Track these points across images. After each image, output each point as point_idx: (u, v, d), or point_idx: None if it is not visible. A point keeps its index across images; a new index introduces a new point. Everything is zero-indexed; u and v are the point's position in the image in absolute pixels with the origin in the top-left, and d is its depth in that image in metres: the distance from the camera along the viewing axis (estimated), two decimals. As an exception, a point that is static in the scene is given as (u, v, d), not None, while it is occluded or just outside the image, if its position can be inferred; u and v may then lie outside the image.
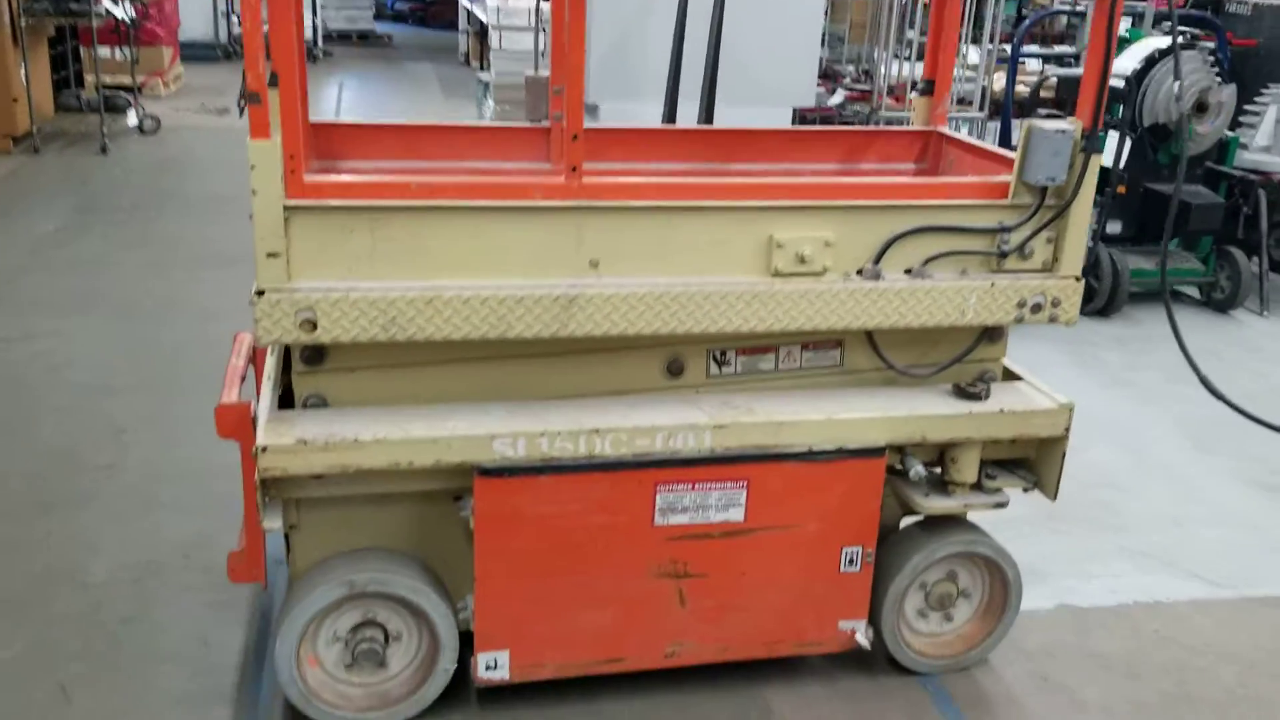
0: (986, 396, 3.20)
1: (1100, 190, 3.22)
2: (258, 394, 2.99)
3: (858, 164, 3.73)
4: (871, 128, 8.29)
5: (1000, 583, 3.40)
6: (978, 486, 3.30)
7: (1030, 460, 3.38)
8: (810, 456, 3.07)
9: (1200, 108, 6.67)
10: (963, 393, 3.22)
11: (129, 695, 3.15)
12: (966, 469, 3.26)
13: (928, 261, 3.06)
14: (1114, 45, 2.96)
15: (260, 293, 2.64)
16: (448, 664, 3.05)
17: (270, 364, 3.11)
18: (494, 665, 3.06)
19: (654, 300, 2.87)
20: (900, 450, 3.20)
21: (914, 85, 9.21)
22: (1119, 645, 3.64)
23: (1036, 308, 3.13)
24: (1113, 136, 5.69)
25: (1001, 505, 3.30)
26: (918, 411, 3.12)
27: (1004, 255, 3.08)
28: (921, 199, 3.03)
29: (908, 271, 3.07)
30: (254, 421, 2.84)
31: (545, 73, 3.69)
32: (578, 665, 3.15)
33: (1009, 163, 3.12)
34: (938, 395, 3.23)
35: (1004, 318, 3.13)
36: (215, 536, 3.82)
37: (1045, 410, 3.21)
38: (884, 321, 3.04)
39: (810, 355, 3.24)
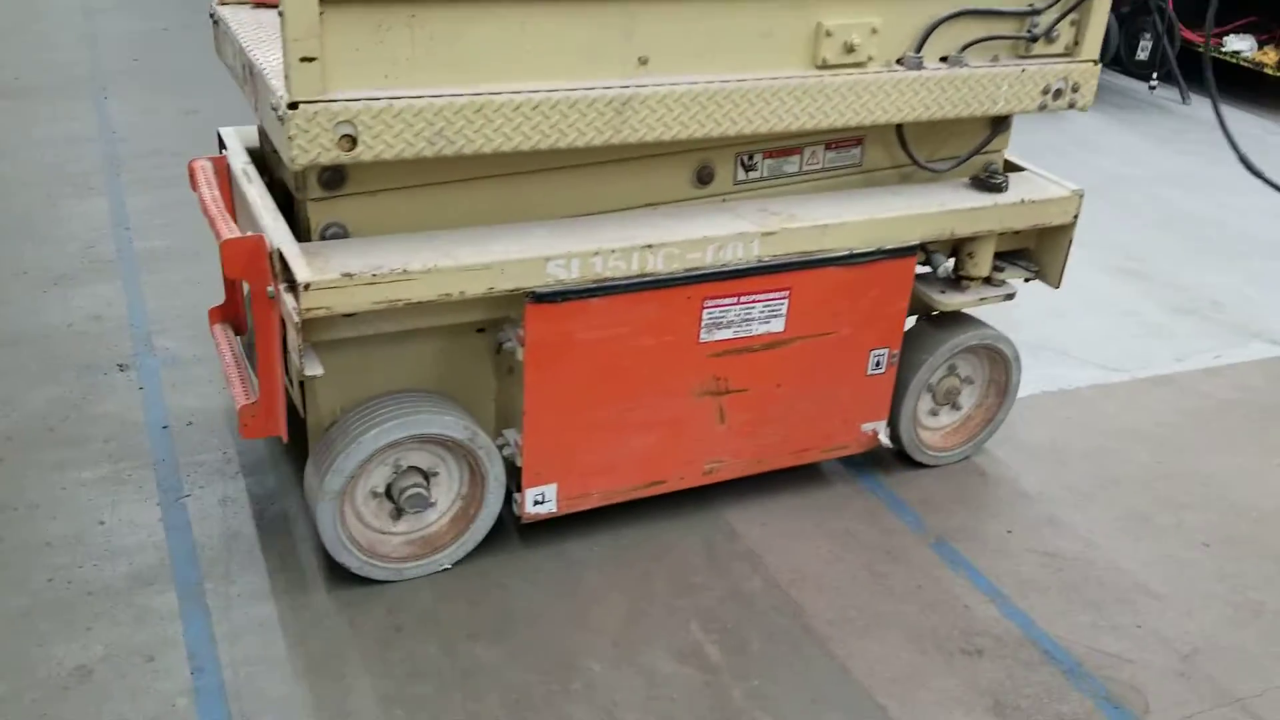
0: (1006, 187, 3.16)
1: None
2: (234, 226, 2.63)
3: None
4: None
5: (1002, 366, 3.44)
6: (987, 280, 3.30)
7: (1030, 250, 3.39)
8: (850, 260, 2.97)
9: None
10: (983, 185, 3.17)
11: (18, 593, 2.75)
12: (983, 263, 3.24)
13: (965, 48, 2.94)
14: None
15: (294, 105, 2.26)
16: (496, 501, 2.86)
17: (256, 193, 2.72)
18: (542, 500, 2.89)
19: (708, 99, 2.64)
20: (923, 248, 3.14)
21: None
22: (1041, 435, 3.73)
23: (1058, 93, 3.08)
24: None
25: (1010, 297, 3.32)
26: (948, 207, 3.06)
27: (1034, 40, 2.99)
28: (961, -19, 2.88)
29: (943, 60, 2.94)
30: (273, 257, 2.48)
31: None
32: (622, 491, 3.02)
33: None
34: (959, 189, 3.17)
35: (1029, 105, 3.06)
36: (78, 403, 3.44)
37: (1060, 198, 3.20)
38: (924, 113, 2.93)
39: (832, 155, 3.10)
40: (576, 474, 2.91)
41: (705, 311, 2.85)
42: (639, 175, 2.85)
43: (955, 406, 3.48)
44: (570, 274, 2.64)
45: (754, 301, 2.90)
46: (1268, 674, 2.77)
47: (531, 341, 2.67)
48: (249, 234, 2.53)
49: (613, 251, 2.66)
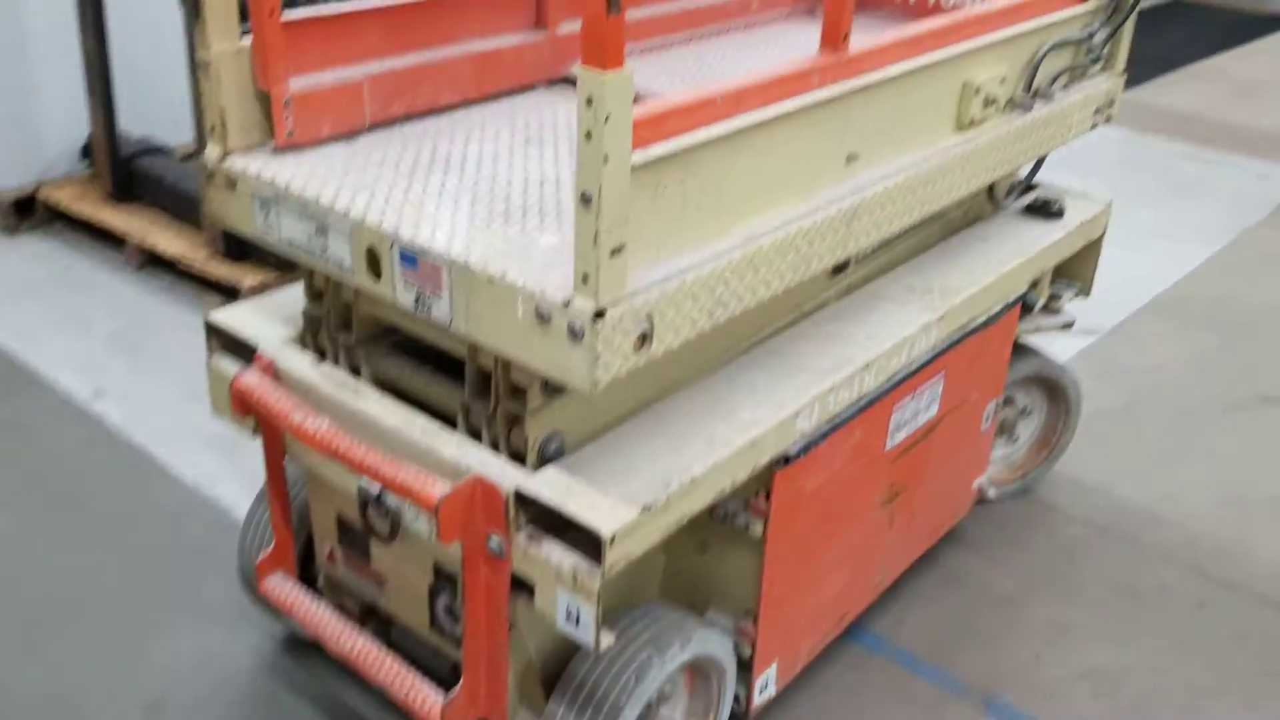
0: (1063, 212, 3.06)
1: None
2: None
3: None
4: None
5: (1060, 393, 3.36)
6: (1044, 308, 3.20)
7: (1062, 265, 3.32)
8: (985, 324, 2.74)
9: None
10: (1043, 212, 3.04)
11: None
12: (1044, 291, 3.13)
13: (1053, 81, 2.76)
14: None
15: (600, 314, 1.65)
16: (728, 705, 2.37)
17: (397, 415, 2.03)
18: (765, 685, 2.44)
19: (909, 190, 2.28)
20: (1016, 291, 2.97)
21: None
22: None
23: (1099, 110, 3.00)
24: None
25: (1069, 326, 3.24)
26: (1041, 244, 2.90)
27: (1094, 61, 2.88)
28: (1050, 12, 2.69)
29: (1033, 95, 2.75)
30: (508, 505, 1.85)
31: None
32: (821, 643, 2.62)
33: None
34: (1024, 221, 3.02)
35: (1087, 127, 2.96)
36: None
37: (1100, 213, 3.15)
38: (1035, 152, 2.74)
39: (918, 210, 2.83)
40: (792, 642, 2.48)
41: (893, 416, 2.51)
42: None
43: (1013, 439, 3.37)
44: (810, 423, 2.20)
45: (923, 392, 2.60)
46: None
47: (776, 510, 2.21)
48: (463, 481, 1.86)
49: (838, 384, 2.25)
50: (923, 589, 3.02)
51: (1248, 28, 9.21)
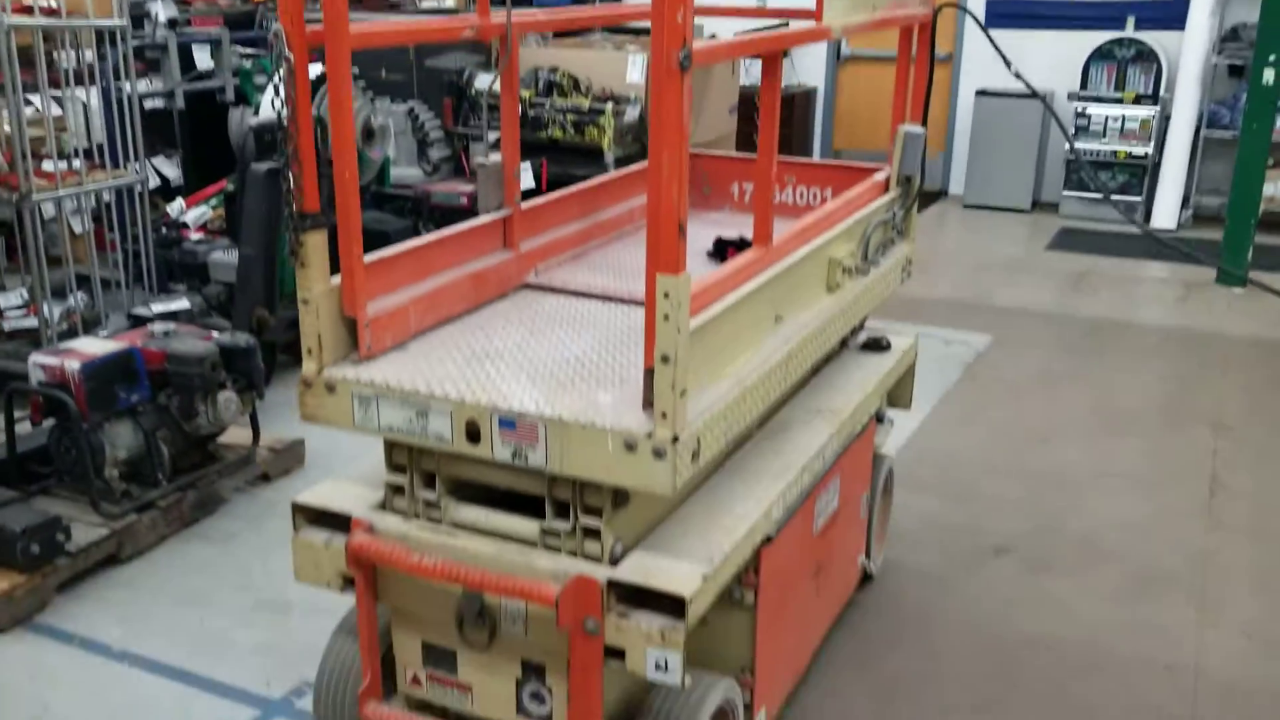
0: (890, 346, 4.05)
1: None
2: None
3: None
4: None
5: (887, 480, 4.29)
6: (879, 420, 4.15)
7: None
8: (860, 433, 3.64)
9: (368, 134, 6.22)
10: (875, 348, 4.02)
11: None
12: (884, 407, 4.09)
13: (877, 251, 3.77)
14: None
15: (675, 439, 2.40)
16: (738, 748, 3.05)
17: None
18: (761, 726, 3.15)
19: (814, 337, 3.17)
20: (873, 408, 3.90)
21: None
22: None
23: (904, 268, 4.04)
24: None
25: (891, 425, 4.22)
26: (884, 370, 3.86)
27: (898, 233, 3.92)
28: (871, 203, 3.71)
29: (868, 263, 3.74)
30: (604, 590, 2.54)
31: (496, 158, 3.35)
32: (784, 694, 3.35)
33: (856, 169, 3.95)
34: (866, 356, 3.98)
35: (899, 281, 3.98)
36: None
37: (911, 344, 4.16)
38: (873, 305, 3.70)
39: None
40: (775, 691, 3.20)
41: (816, 507, 3.34)
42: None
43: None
44: (780, 512, 2.99)
45: (830, 487, 3.44)
46: None
47: (763, 581, 2.97)
48: (570, 579, 2.53)
49: (792, 481, 3.06)
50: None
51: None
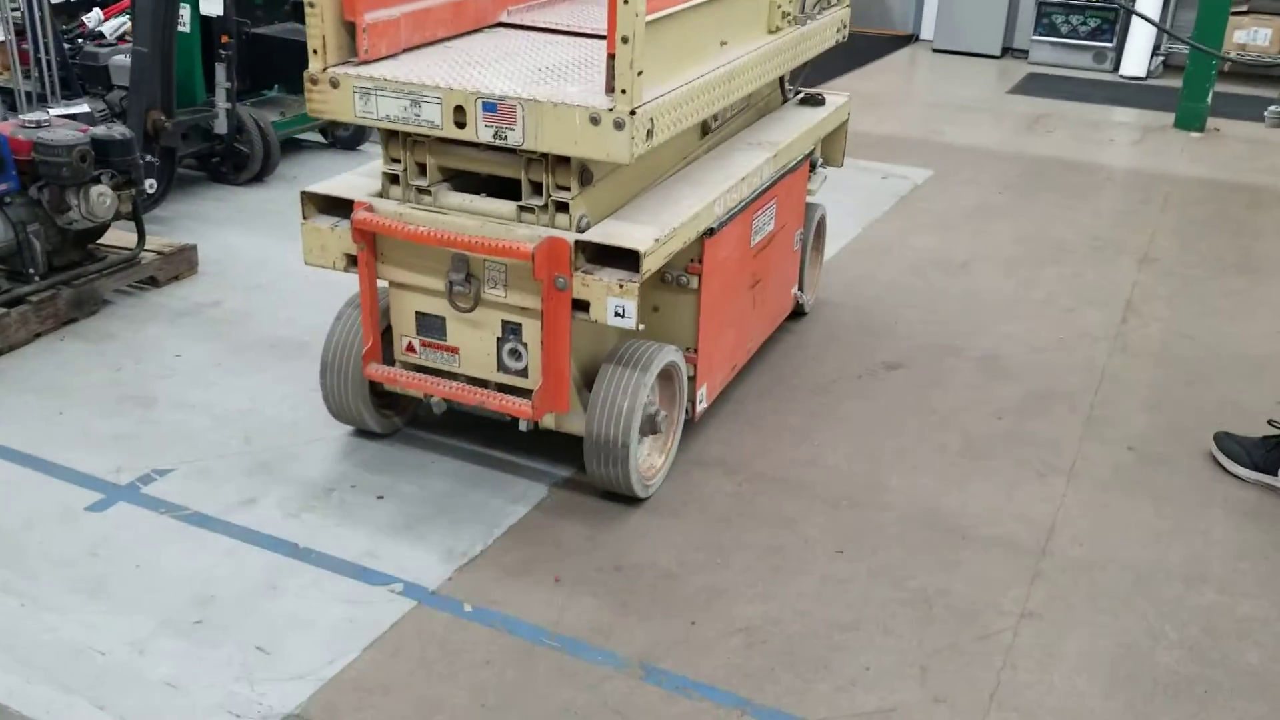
0: (825, 102, 4.52)
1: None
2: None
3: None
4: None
5: (819, 224, 4.80)
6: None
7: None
8: (793, 168, 4.13)
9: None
10: (812, 103, 4.49)
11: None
12: (817, 157, 4.58)
13: (815, 6, 4.20)
14: None
15: (633, 112, 2.87)
16: (682, 409, 3.61)
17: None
18: (702, 399, 3.70)
19: (752, 65, 3.62)
20: (806, 153, 4.38)
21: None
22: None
23: (838, 30, 4.47)
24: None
25: (824, 180, 4.70)
26: (817, 118, 4.33)
27: (833, -5, 4.35)
28: (808, -41, 4.13)
29: (805, 15, 4.17)
30: (572, 251, 3.03)
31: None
32: (724, 380, 3.91)
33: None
34: (802, 109, 4.45)
35: (832, 40, 4.41)
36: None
37: (844, 104, 4.63)
38: (810, 54, 4.16)
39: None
40: (713, 372, 3.75)
41: (754, 222, 3.84)
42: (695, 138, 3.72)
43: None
44: (721, 210, 3.49)
45: (766, 209, 3.94)
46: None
47: (705, 269, 3.48)
48: (542, 240, 3.02)
49: (732, 187, 3.55)
50: (583, 577, 3.16)
51: (871, 50, 10.41)
